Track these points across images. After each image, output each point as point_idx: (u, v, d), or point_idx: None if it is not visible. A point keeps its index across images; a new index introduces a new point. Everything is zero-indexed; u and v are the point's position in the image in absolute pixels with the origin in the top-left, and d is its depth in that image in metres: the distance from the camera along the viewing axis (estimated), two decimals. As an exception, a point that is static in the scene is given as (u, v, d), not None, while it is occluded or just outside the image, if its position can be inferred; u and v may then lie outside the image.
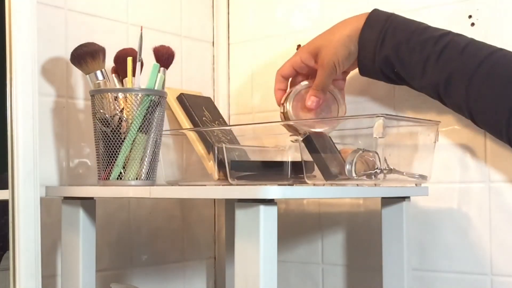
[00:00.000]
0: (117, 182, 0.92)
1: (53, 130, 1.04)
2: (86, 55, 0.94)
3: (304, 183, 0.91)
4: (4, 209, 0.86)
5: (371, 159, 0.88)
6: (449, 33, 0.91)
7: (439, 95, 0.91)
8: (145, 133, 0.92)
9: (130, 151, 0.92)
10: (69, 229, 0.95)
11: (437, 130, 0.97)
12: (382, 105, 1.09)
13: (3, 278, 0.88)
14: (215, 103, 1.25)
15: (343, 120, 1.00)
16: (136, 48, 0.94)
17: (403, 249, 0.97)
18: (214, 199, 1.30)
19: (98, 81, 0.94)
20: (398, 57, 0.92)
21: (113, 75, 0.96)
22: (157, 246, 1.21)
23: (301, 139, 0.91)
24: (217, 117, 1.17)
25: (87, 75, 0.95)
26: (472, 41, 0.90)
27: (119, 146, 0.91)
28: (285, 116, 0.98)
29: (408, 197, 0.98)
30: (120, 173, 0.92)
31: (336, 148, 0.93)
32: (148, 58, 0.96)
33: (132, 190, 0.88)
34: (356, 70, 1.01)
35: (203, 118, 1.13)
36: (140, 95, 0.91)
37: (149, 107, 0.92)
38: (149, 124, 0.92)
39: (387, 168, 0.89)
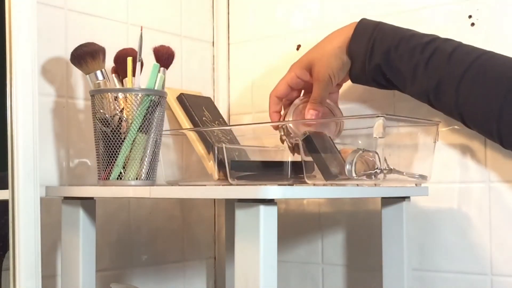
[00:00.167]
0: (117, 182, 0.92)
1: (53, 130, 1.04)
2: (86, 55, 0.94)
3: (304, 183, 0.91)
4: (4, 209, 0.86)
5: (371, 159, 0.88)
6: (436, 38, 0.92)
7: (430, 101, 0.92)
8: (145, 133, 0.92)
9: (130, 151, 0.92)
10: (69, 229, 0.95)
11: (437, 130, 0.97)
12: (382, 105, 1.09)
13: (4, 278, 0.88)
14: (215, 103, 1.25)
15: (345, 126, 1.00)
16: (136, 48, 0.94)
17: (403, 249, 0.97)
18: (214, 199, 1.30)
19: (98, 81, 0.94)
20: (388, 65, 0.93)
21: (113, 75, 0.96)
22: (157, 246, 1.21)
23: (301, 139, 0.91)
24: (217, 117, 1.17)
25: (87, 75, 0.95)
26: (458, 46, 0.90)
27: (119, 146, 0.91)
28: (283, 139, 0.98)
29: (408, 197, 0.98)
30: (120, 173, 0.92)
31: (336, 148, 0.93)
32: (148, 58, 0.96)
33: (132, 190, 0.88)
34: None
35: (203, 118, 1.13)
36: (140, 95, 0.91)
37: (149, 107, 0.92)
38: (149, 124, 0.92)
39: (387, 168, 0.89)
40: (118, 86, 0.95)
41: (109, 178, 0.92)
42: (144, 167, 0.92)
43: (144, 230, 1.19)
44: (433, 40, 0.91)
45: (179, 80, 1.25)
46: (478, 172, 1.01)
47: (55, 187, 1.00)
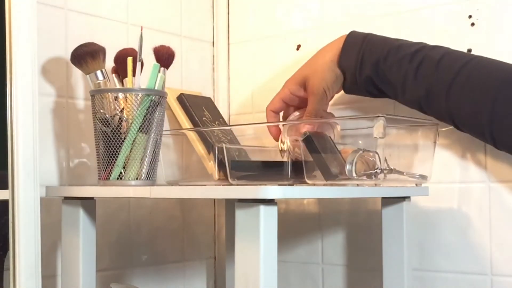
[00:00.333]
0: (117, 182, 0.92)
1: (53, 130, 1.04)
2: (86, 55, 0.94)
3: (304, 183, 0.91)
4: (4, 209, 0.86)
5: (371, 159, 0.88)
6: (423, 47, 0.93)
7: (422, 108, 0.93)
8: (145, 133, 0.92)
9: (130, 151, 0.92)
10: (69, 229, 0.95)
11: (437, 130, 0.97)
12: (382, 105, 1.09)
13: (4, 278, 0.88)
14: (215, 103, 1.25)
15: (346, 126, 1.00)
16: (136, 48, 0.94)
17: (403, 249, 0.97)
18: (214, 199, 1.30)
19: (98, 81, 0.94)
20: (378, 77, 0.95)
21: (113, 75, 0.96)
22: (157, 246, 1.21)
23: (302, 139, 0.91)
24: (217, 117, 1.17)
25: (87, 75, 0.94)
26: (446, 53, 0.91)
27: (119, 146, 0.91)
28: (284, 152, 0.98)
29: (408, 197, 0.98)
30: (120, 173, 0.92)
31: (336, 148, 0.93)
32: (148, 58, 0.96)
33: (132, 190, 0.88)
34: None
35: (203, 118, 1.13)
36: (140, 95, 0.91)
37: (149, 107, 0.92)
38: (149, 124, 0.92)
39: (387, 168, 0.89)
40: (118, 86, 0.95)
41: (109, 178, 0.92)
42: (144, 167, 0.92)
43: (144, 230, 1.19)
44: (420, 48, 0.93)
45: (179, 80, 1.25)
46: (478, 172, 1.01)
47: (55, 187, 1.00)
